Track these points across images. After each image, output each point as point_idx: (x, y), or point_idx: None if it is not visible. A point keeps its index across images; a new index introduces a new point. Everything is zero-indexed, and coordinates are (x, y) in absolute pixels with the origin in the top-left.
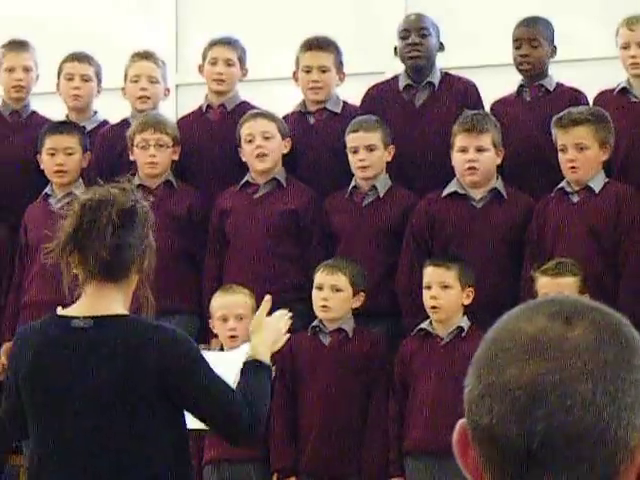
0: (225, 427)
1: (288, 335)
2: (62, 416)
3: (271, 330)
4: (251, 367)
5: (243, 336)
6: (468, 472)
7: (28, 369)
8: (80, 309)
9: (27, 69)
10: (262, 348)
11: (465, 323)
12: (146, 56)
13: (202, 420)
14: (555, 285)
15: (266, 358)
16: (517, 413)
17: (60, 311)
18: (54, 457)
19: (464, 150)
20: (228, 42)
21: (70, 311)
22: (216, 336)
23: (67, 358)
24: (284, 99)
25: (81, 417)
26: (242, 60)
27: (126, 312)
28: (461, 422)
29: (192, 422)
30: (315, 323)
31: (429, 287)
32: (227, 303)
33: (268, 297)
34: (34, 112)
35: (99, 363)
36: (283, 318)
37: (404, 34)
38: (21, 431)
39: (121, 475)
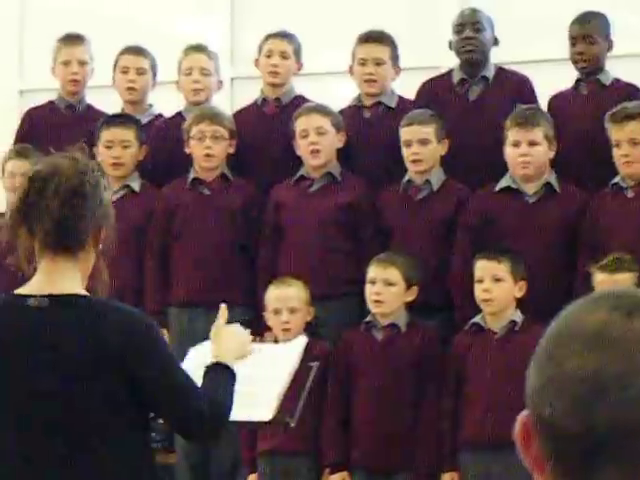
0: (182, 419)
1: (252, 347)
2: (18, 400)
3: (233, 339)
4: (214, 368)
5: (296, 328)
6: (530, 464)
7: None
8: (35, 286)
9: (83, 63)
10: (227, 353)
11: (518, 317)
12: (198, 49)
13: (158, 412)
14: (612, 281)
15: (230, 362)
16: (578, 406)
17: (17, 290)
18: (7, 445)
19: (516, 144)
20: (284, 35)
21: (26, 289)
22: (270, 329)
23: (22, 340)
24: (339, 93)
25: (38, 402)
26: (297, 53)
27: (83, 292)
28: (523, 414)
29: (233, 414)
30: (368, 318)
31: (481, 280)
32: (280, 296)
33: (223, 305)
34: (90, 105)
35: (56, 346)
36: (244, 332)
37: (459, 28)
38: None
39: (74, 469)
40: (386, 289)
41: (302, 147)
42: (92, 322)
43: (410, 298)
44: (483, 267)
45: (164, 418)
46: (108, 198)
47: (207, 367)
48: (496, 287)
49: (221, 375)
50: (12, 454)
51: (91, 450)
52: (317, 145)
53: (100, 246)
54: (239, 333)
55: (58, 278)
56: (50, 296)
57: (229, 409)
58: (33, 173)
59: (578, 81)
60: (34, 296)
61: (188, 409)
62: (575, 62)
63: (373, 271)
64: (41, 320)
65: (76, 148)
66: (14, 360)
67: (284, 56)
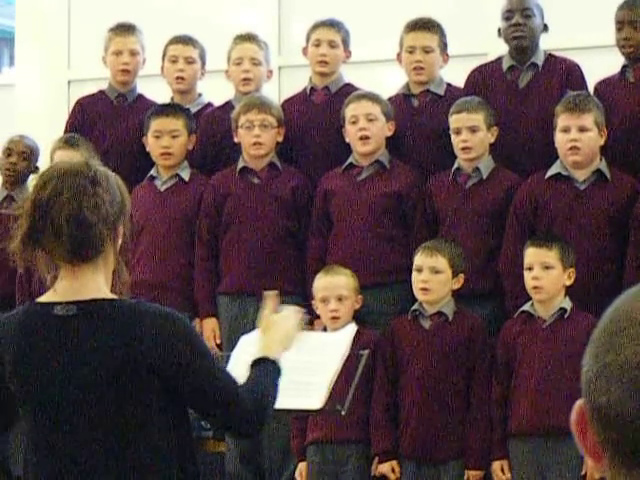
0: (225, 418)
1: (301, 331)
2: (52, 411)
3: (280, 329)
4: (260, 363)
5: (345, 317)
6: (587, 452)
7: (12, 363)
8: (60, 293)
9: (134, 53)
10: (273, 346)
11: (567, 304)
12: (249, 38)
13: (199, 411)
14: None
15: (276, 356)
16: (636, 393)
17: (39, 299)
18: (45, 454)
19: (566, 130)
20: (332, 24)
21: (50, 297)
22: (319, 317)
23: (52, 350)
24: (388, 81)
25: (72, 411)
26: (346, 42)
27: (110, 295)
28: (579, 402)
29: (284, 403)
30: (415, 307)
31: (530, 268)
32: (328, 284)
33: (270, 293)
34: (140, 95)
35: (87, 355)
36: (294, 315)
37: (508, 15)
38: (6, 422)
39: (113, 473)
40: (433, 277)
41: (351, 133)
42: (122, 327)
43: (457, 286)
44: (533, 254)
45: (206, 417)
46: (120, 196)
47: (253, 362)
48: (546, 274)
49: (266, 371)
50: (55, 459)
51: (127, 451)
52: (366, 131)
53: (119, 242)
54: (286, 320)
55: (82, 284)
56: (77, 302)
57: (272, 405)
58: (35, 198)
59: (624, 67)
60: (60, 303)
61: (230, 408)
62: (621, 47)
63: (420, 259)
64: (70, 329)
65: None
66: (44, 371)
67: (332, 45)
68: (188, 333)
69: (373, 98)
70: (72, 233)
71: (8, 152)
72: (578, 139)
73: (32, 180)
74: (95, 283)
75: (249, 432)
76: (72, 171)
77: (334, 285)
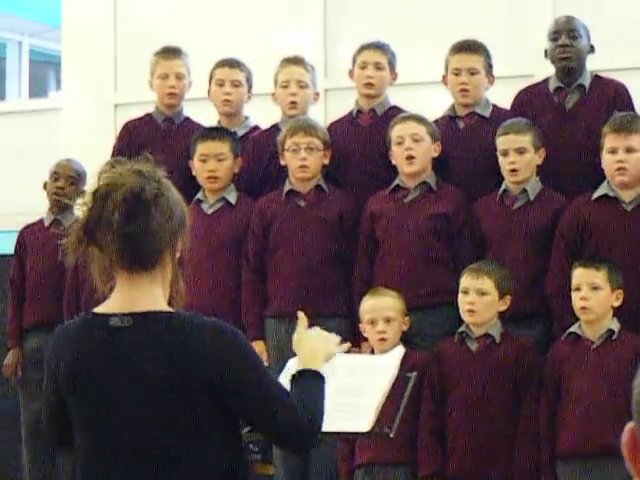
0: (278, 431)
1: (346, 345)
2: (105, 423)
3: (316, 342)
4: (303, 375)
5: (392, 339)
6: (637, 475)
7: (67, 374)
8: (116, 305)
9: (180, 76)
10: (311, 357)
11: (615, 326)
12: (295, 61)
13: (253, 424)
14: None
15: (317, 367)
16: None
17: (96, 309)
18: (97, 467)
19: (614, 151)
20: (378, 46)
21: (106, 307)
22: (366, 340)
23: (107, 362)
24: (433, 103)
25: (125, 424)
26: (392, 64)
27: (167, 307)
28: (630, 425)
29: (332, 425)
30: (462, 329)
31: (578, 289)
32: (375, 306)
33: (301, 314)
34: (187, 118)
35: (141, 368)
36: (327, 334)
37: (554, 36)
38: (62, 436)
39: None
40: (479, 299)
41: (397, 154)
42: (178, 340)
43: (503, 308)
44: (581, 275)
45: (259, 430)
46: (181, 209)
47: (294, 374)
48: (593, 295)
49: (311, 381)
50: (108, 471)
51: (181, 469)
52: (412, 151)
53: (177, 256)
54: (320, 335)
55: (138, 295)
56: (133, 314)
57: (322, 414)
58: (94, 189)
59: None
60: (116, 315)
61: (283, 420)
62: None
63: (466, 281)
64: (125, 340)
65: (142, 158)
66: (98, 383)
67: (379, 67)
68: (243, 347)
69: (419, 119)
70: (128, 232)
71: (55, 176)
72: (625, 160)
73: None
74: (152, 295)
75: (304, 444)
76: (136, 170)
77: (381, 307)
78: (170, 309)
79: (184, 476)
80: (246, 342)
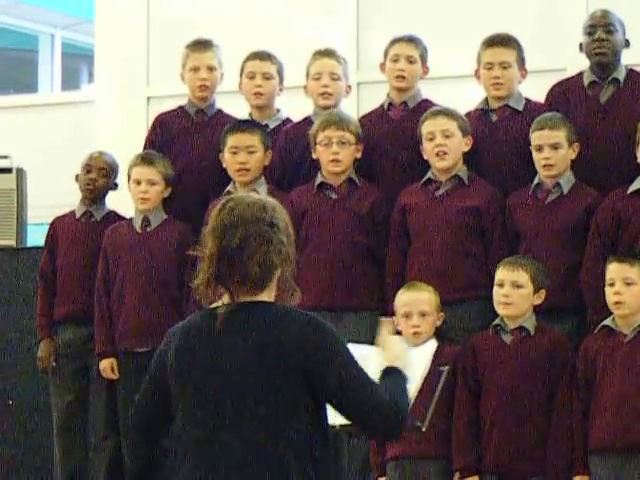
0: (369, 418)
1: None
2: (206, 399)
3: (399, 346)
4: (392, 372)
5: (427, 333)
6: None
7: (174, 358)
8: (225, 301)
9: (211, 68)
10: (397, 359)
11: None
12: (328, 54)
13: (345, 411)
14: None
15: (402, 366)
16: None
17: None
18: (198, 448)
19: None
20: (410, 39)
21: (217, 304)
22: (400, 333)
23: (208, 342)
24: (466, 97)
25: (223, 401)
26: (424, 58)
27: (268, 299)
28: None
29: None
30: (496, 322)
31: (612, 283)
32: (411, 300)
33: (384, 319)
34: (219, 111)
35: (241, 348)
36: (404, 344)
37: (590, 30)
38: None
39: (258, 463)
40: (514, 291)
41: (428, 150)
42: (274, 324)
43: (538, 301)
44: (615, 270)
45: (351, 418)
46: (289, 223)
47: (384, 371)
48: (627, 290)
49: (398, 379)
50: (209, 451)
51: (274, 441)
52: (443, 147)
53: (286, 275)
54: (401, 342)
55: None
56: (237, 304)
57: (408, 408)
58: (221, 245)
59: None
60: (222, 306)
61: (374, 409)
62: None
63: (501, 273)
64: (225, 326)
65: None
66: (200, 365)
67: (411, 60)
68: (336, 336)
69: (449, 114)
70: (258, 276)
71: (88, 168)
72: None
73: (212, 221)
74: (257, 298)
75: (391, 433)
76: (253, 219)
77: (417, 301)
78: (270, 300)
79: (276, 449)
80: (338, 335)
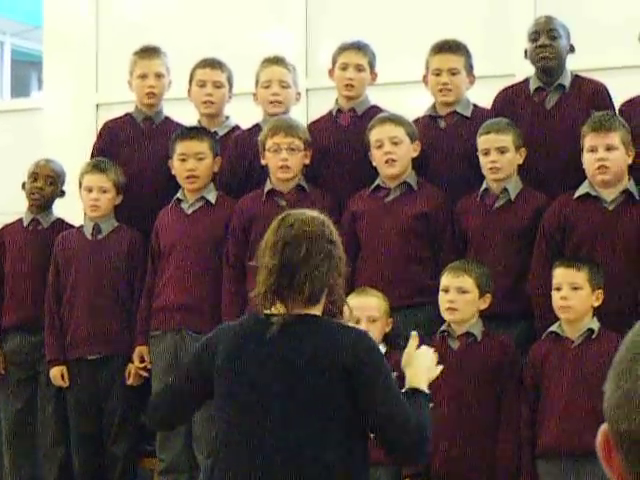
0: (396, 439)
1: (441, 367)
2: (251, 402)
3: (423, 360)
4: (415, 394)
5: (375, 339)
6: (613, 476)
7: (225, 356)
8: (279, 310)
9: (159, 75)
10: (419, 377)
11: (595, 325)
12: (277, 61)
13: (374, 428)
14: None
15: (424, 386)
16: None
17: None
18: (238, 447)
19: (593, 150)
20: (358, 47)
21: (272, 311)
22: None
23: (262, 350)
24: (414, 103)
25: (268, 403)
26: (372, 65)
27: (317, 313)
28: (604, 427)
29: None
30: (443, 328)
31: (559, 288)
32: (360, 305)
33: (414, 333)
34: (167, 118)
35: (292, 357)
36: (430, 352)
37: (534, 36)
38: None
39: (297, 467)
40: (460, 297)
41: (377, 157)
42: (323, 337)
43: (483, 306)
44: (562, 274)
45: (378, 435)
46: (341, 246)
47: (407, 392)
48: (574, 295)
49: (421, 402)
50: (243, 449)
51: (313, 445)
52: (392, 155)
53: (340, 291)
54: (427, 356)
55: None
56: (290, 315)
57: (430, 433)
58: (283, 257)
59: None
60: (277, 315)
61: (402, 430)
62: None
63: (446, 279)
64: (279, 334)
65: (316, 210)
66: (252, 367)
67: (359, 68)
68: (376, 351)
69: (397, 120)
70: (317, 290)
71: (34, 176)
72: (606, 158)
73: (272, 236)
74: (308, 310)
75: (415, 457)
76: (315, 235)
77: (366, 306)
78: (319, 314)
79: (316, 451)
80: (381, 352)
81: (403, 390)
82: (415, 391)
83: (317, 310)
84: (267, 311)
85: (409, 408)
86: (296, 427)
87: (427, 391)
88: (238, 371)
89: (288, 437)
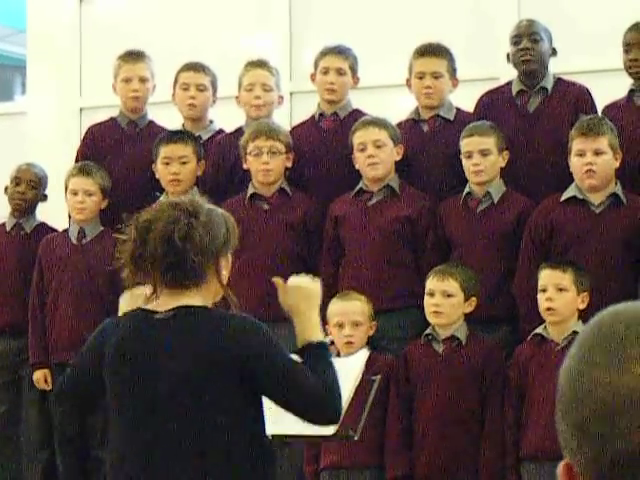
0: (303, 405)
1: (318, 280)
2: (144, 402)
3: (296, 291)
4: (307, 351)
5: (359, 343)
6: None
7: (112, 356)
8: (161, 305)
9: (143, 79)
10: (304, 325)
11: (580, 328)
12: (260, 64)
13: (279, 402)
14: None
15: (316, 335)
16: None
17: (143, 306)
18: (135, 444)
19: (581, 154)
20: (340, 51)
21: (153, 307)
22: (333, 343)
23: (150, 346)
24: (397, 106)
25: (163, 403)
26: (354, 69)
27: (203, 304)
28: (564, 461)
29: (296, 429)
30: (428, 331)
31: (544, 290)
32: (343, 309)
33: (276, 278)
34: (151, 122)
35: (179, 350)
36: (307, 280)
37: (516, 40)
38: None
39: (200, 464)
40: (445, 300)
41: (360, 160)
42: (211, 327)
43: (469, 309)
44: (547, 276)
45: (287, 407)
46: (223, 229)
47: (300, 350)
48: (559, 297)
49: (318, 355)
50: (132, 454)
51: (211, 441)
52: (375, 158)
53: (223, 274)
54: (300, 281)
55: (180, 298)
56: (174, 309)
57: (338, 382)
58: (136, 223)
59: (631, 91)
60: (161, 312)
61: (310, 403)
62: (629, 69)
63: (431, 283)
64: (165, 329)
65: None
66: (139, 366)
67: (341, 73)
68: (264, 333)
69: (380, 124)
70: (165, 258)
71: (17, 181)
72: (594, 162)
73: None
74: (192, 298)
75: (331, 419)
76: (172, 203)
77: (349, 310)
78: (206, 304)
79: (214, 448)
80: (269, 332)
81: (297, 349)
82: (309, 346)
83: (199, 296)
84: (153, 307)
85: (309, 377)
86: (181, 436)
87: (320, 339)
88: (126, 376)
89: (171, 444)
